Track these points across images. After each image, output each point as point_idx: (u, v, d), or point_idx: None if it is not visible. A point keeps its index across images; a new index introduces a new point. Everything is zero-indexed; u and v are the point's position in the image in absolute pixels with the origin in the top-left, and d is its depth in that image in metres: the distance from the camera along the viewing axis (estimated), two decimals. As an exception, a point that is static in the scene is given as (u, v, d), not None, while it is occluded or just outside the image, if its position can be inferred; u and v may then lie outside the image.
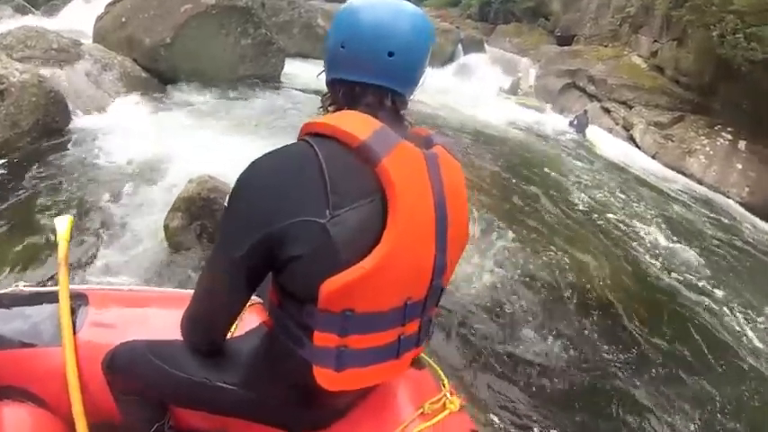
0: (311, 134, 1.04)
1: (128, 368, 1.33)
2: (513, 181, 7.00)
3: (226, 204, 1.10)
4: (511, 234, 5.04)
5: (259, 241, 1.00)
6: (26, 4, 10.95)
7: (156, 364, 1.27)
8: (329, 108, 1.16)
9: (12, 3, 10.57)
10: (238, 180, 1.05)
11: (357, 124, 1.02)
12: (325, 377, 1.05)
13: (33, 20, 9.53)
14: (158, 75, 6.87)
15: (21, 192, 3.78)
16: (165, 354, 1.28)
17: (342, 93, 1.13)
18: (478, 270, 4.23)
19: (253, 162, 1.04)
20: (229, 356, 1.26)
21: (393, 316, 1.07)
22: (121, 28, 7.20)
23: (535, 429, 2.86)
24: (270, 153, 1.04)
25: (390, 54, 1.06)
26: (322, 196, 0.96)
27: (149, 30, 6.98)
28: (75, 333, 1.50)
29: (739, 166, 11.06)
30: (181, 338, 1.25)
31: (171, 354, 1.27)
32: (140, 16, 7.19)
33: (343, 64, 1.11)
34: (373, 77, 1.09)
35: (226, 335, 1.23)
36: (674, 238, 7.01)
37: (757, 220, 9.92)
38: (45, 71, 5.10)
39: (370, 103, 1.10)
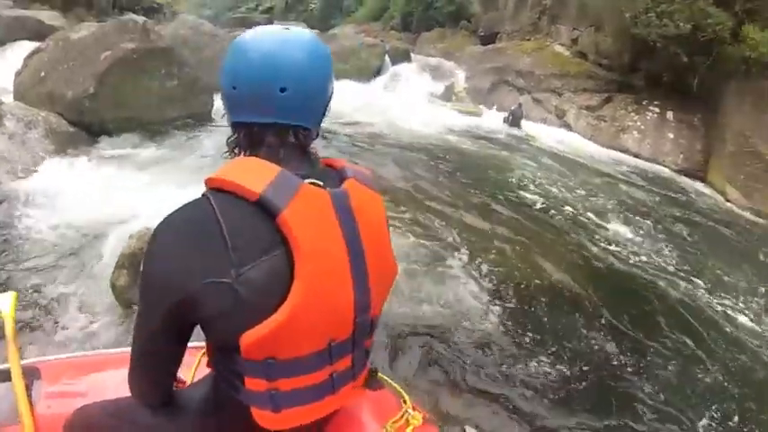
0: (213, 189, 1.02)
1: (86, 431, 1.31)
2: (456, 187, 7.08)
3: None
4: (462, 242, 5.09)
5: (171, 309, 1.01)
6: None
7: (112, 423, 1.26)
8: (235, 151, 1.13)
9: None
10: (146, 251, 1.05)
11: (254, 175, 1.01)
12: (264, 418, 1.07)
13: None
14: (86, 127, 6.65)
15: (-47, 270, 3.58)
16: (120, 411, 1.27)
17: (243, 135, 1.11)
18: (431, 283, 4.24)
19: (156, 230, 1.04)
20: (182, 405, 1.26)
21: (318, 358, 1.07)
22: (41, 82, 6.96)
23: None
24: (171, 217, 1.03)
25: (283, 90, 1.03)
26: (225, 256, 0.95)
27: (70, 81, 6.78)
28: (32, 408, 1.47)
29: (671, 136, 11.60)
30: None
31: (126, 410, 1.26)
32: (60, 68, 6.97)
33: (237, 106, 1.09)
34: (269, 116, 1.06)
35: (170, 387, 1.23)
36: (625, 216, 7.27)
37: (697, 184, 10.39)
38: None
39: (271, 144, 1.08)
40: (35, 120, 6.06)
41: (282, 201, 0.98)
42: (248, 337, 0.97)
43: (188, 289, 0.97)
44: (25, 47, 9.34)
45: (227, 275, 0.95)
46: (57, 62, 7.07)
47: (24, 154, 5.50)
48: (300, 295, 0.98)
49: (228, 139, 1.14)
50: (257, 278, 0.96)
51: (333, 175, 1.14)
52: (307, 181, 1.04)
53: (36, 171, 5.36)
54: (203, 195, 1.03)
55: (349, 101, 10.78)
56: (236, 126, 1.12)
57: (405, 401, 1.42)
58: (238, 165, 1.06)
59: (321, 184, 1.06)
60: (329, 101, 1.15)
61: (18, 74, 7.39)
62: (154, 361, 1.14)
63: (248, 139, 1.10)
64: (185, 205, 1.04)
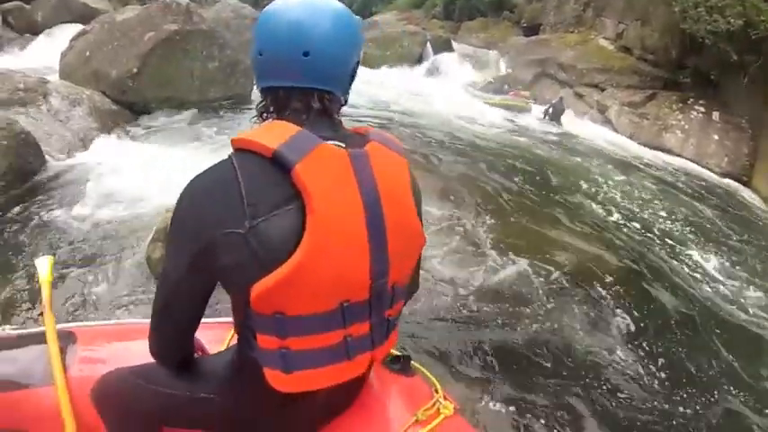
0: (236, 149, 1.06)
1: (115, 393, 1.35)
2: (495, 178, 6.93)
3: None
4: (498, 231, 5.01)
5: (194, 257, 1.05)
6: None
7: (140, 385, 1.30)
8: (263, 116, 1.16)
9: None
10: (175, 204, 1.10)
11: (273, 134, 1.04)
12: (275, 379, 1.09)
13: (-2, 62, 9.49)
14: (128, 106, 6.82)
15: (-1, 236, 3.72)
16: (148, 374, 1.31)
17: (270, 100, 1.14)
18: (466, 269, 4.19)
19: (186, 185, 1.09)
20: (208, 369, 1.30)
21: (329, 318, 1.08)
22: (86, 62, 7.14)
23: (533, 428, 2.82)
24: (198, 174, 1.09)
25: (306, 54, 1.06)
26: (240, 208, 0.99)
27: (115, 61, 6.93)
28: (65, 371, 1.51)
29: (716, 137, 11.23)
30: None
31: (154, 373, 1.30)
32: (104, 49, 7.13)
33: (264, 71, 1.13)
34: (293, 80, 1.09)
35: (188, 349, 1.28)
36: (666, 216, 7.08)
37: (741, 188, 10.05)
38: (13, 113, 5.04)
39: (296, 108, 1.11)
40: (80, 98, 6.20)
41: (297, 156, 1.00)
42: (257, 288, 1.00)
43: (208, 238, 1.02)
44: (71, 29, 9.59)
45: (241, 226, 0.99)
46: (102, 43, 7.23)
47: (69, 129, 5.64)
48: (309, 249, 0.99)
49: (257, 105, 1.17)
50: (269, 231, 0.99)
51: (357, 140, 1.14)
52: (329, 143, 1.05)
53: (79, 146, 5.49)
54: (228, 156, 1.07)
55: (390, 87, 10.66)
56: (264, 92, 1.15)
57: (437, 390, 1.41)
58: (263, 127, 1.10)
59: (342, 145, 1.07)
60: (355, 69, 1.16)
61: (64, 54, 7.59)
62: (174, 317, 1.17)
63: (275, 103, 1.13)
64: (211, 165, 1.09)
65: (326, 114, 1.12)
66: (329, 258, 1.02)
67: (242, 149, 1.05)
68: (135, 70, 6.80)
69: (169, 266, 1.12)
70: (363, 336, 1.14)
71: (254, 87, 5.31)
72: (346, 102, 1.19)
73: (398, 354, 1.47)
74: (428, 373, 1.50)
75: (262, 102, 1.16)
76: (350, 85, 1.18)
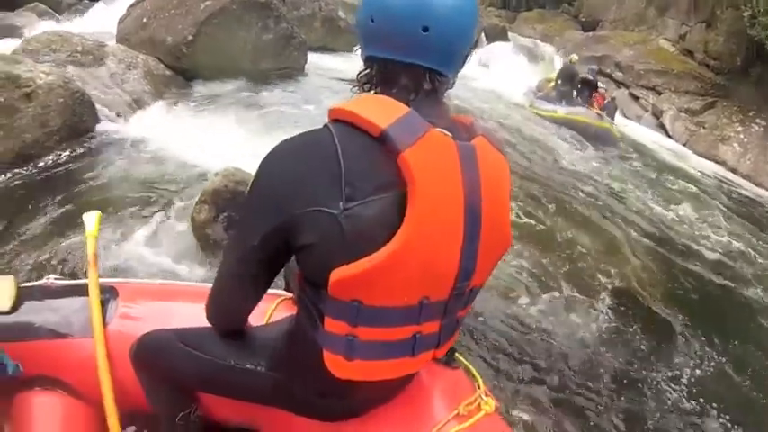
0: (335, 120, 0.99)
1: (155, 354, 1.35)
2: (540, 175, 6.83)
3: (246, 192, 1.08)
4: (544, 234, 4.94)
5: (273, 230, 1.00)
6: (50, 9, 11.08)
7: (182, 349, 1.28)
8: (364, 87, 1.08)
9: (35, 9, 10.71)
10: (258, 168, 1.02)
11: (381, 110, 0.96)
12: (334, 364, 1.05)
13: (57, 24, 9.71)
14: (182, 72, 6.89)
15: (50, 189, 3.81)
16: (192, 339, 1.29)
17: (375, 71, 1.06)
18: (514, 269, 4.12)
19: (272, 149, 1.02)
20: (257, 341, 1.27)
21: (406, 313, 1.03)
22: (143, 28, 7.24)
23: (569, 428, 2.77)
24: (289, 139, 1.02)
25: (425, 29, 0.97)
26: (336, 187, 0.93)
27: (171, 28, 7.00)
28: (105, 325, 1.53)
29: (775, 155, 10.71)
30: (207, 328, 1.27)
31: (197, 339, 1.28)
32: (161, 16, 7.21)
33: (373, 39, 1.03)
34: (407, 55, 1.00)
35: (246, 318, 1.24)
36: (711, 232, 6.80)
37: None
38: (71, 73, 5.14)
39: (405, 85, 1.03)
40: (135, 62, 6.30)
41: (408, 140, 0.93)
42: (339, 273, 0.94)
43: (293, 212, 0.96)
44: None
45: (334, 207, 0.93)
46: (159, 10, 7.30)
47: (124, 92, 5.73)
48: (404, 241, 0.93)
49: (359, 73, 1.09)
50: (365, 215, 0.93)
51: (462, 130, 1.07)
52: (436, 129, 0.97)
53: (133, 109, 5.58)
54: (324, 125, 0.99)
55: None
56: (369, 60, 1.07)
57: (479, 386, 1.38)
58: (366, 99, 1.02)
59: (450, 134, 0.99)
60: (472, 50, 1.07)
61: (121, 20, 7.72)
62: (238, 285, 1.13)
63: (381, 76, 1.05)
64: (306, 131, 1.02)
65: (434, 97, 1.05)
66: (422, 253, 0.96)
67: (342, 121, 0.98)
68: (190, 38, 6.84)
69: (240, 235, 1.08)
70: (432, 334, 1.10)
71: (307, 62, 5.35)
72: (453, 85, 1.10)
73: None
74: (471, 367, 1.48)
75: (365, 70, 1.08)
76: (462, 66, 1.08)
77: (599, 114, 9.77)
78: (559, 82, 10.87)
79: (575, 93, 10.49)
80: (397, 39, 1.00)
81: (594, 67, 11.54)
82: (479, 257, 1.05)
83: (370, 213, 0.93)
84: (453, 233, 1.00)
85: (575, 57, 11.38)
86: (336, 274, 0.95)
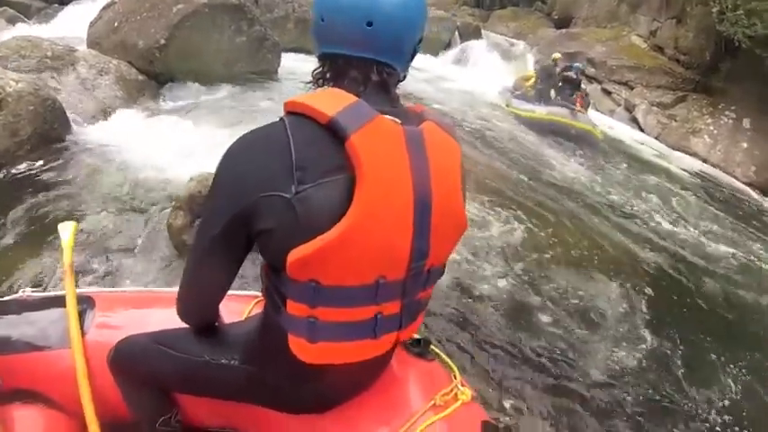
0: (289, 113, 1.04)
1: (131, 357, 1.37)
2: (514, 172, 6.91)
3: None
4: (518, 225, 5.00)
5: (232, 217, 1.05)
6: (18, 13, 10.88)
7: (158, 349, 1.31)
8: (318, 82, 1.14)
9: (3, 13, 10.50)
10: (218, 164, 1.08)
11: (330, 101, 1.02)
12: (299, 347, 1.09)
13: (27, 29, 9.52)
14: (154, 76, 6.81)
15: (23, 200, 3.74)
16: (167, 339, 1.32)
17: (327, 67, 1.13)
18: (484, 259, 4.18)
19: (231, 145, 1.08)
20: (230, 336, 1.31)
21: (363, 292, 1.07)
22: (114, 32, 7.12)
23: (548, 418, 2.81)
24: (246, 134, 1.08)
25: (369, 24, 1.03)
26: (289, 173, 0.98)
27: (143, 32, 6.91)
28: (83, 335, 1.53)
29: (744, 145, 10.99)
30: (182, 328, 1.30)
31: (172, 338, 1.31)
32: (133, 19, 7.10)
33: (324, 37, 1.10)
34: (354, 49, 1.07)
35: (217, 309, 1.28)
36: (684, 220, 6.99)
37: (765, 200, 9.85)
38: (41, 80, 5.06)
39: (354, 77, 1.09)
40: (107, 67, 6.21)
41: (353, 125, 0.98)
42: (295, 254, 0.99)
43: (250, 197, 1.00)
44: (100, 1, 9.61)
45: (287, 191, 0.98)
46: (130, 13, 7.19)
47: (95, 98, 5.66)
48: (354, 219, 0.97)
49: (314, 71, 1.15)
50: (316, 198, 0.98)
51: (412, 117, 1.12)
52: (385, 117, 1.03)
53: (105, 115, 5.51)
54: (280, 118, 1.05)
55: (415, 73, 10.35)
56: (322, 58, 1.13)
57: (455, 376, 1.41)
58: (318, 92, 1.08)
59: (398, 121, 1.05)
60: (418, 45, 1.13)
61: (92, 24, 7.57)
62: (207, 276, 1.17)
63: (332, 71, 1.11)
64: (261, 126, 1.08)
65: (384, 88, 1.10)
66: (372, 232, 1.01)
67: (295, 113, 1.03)
68: (162, 42, 6.76)
69: (206, 224, 1.12)
70: (393, 315, 1.14)
71: (280, 63, 5.35)
72: (404, 78, 1.16)
73: (418, 337, 1.47)
74: (447, 359, 1.51)
75: (319, 68, 1.15)
76: (410, 62, 1.15)
77: (581, 112, 9.50)
78: (539, 80, 10.62)
79: (553, 92, 10.06)
80: (344, 34, 1.06)
81: (579, 64, 10.98)
82: (432, 236, 1.09)
83: (321, 195, 0.98)
84: (403, 212, 1.04)
85: (557, 54, 11.28)
86: (293, 255, 0.99)
